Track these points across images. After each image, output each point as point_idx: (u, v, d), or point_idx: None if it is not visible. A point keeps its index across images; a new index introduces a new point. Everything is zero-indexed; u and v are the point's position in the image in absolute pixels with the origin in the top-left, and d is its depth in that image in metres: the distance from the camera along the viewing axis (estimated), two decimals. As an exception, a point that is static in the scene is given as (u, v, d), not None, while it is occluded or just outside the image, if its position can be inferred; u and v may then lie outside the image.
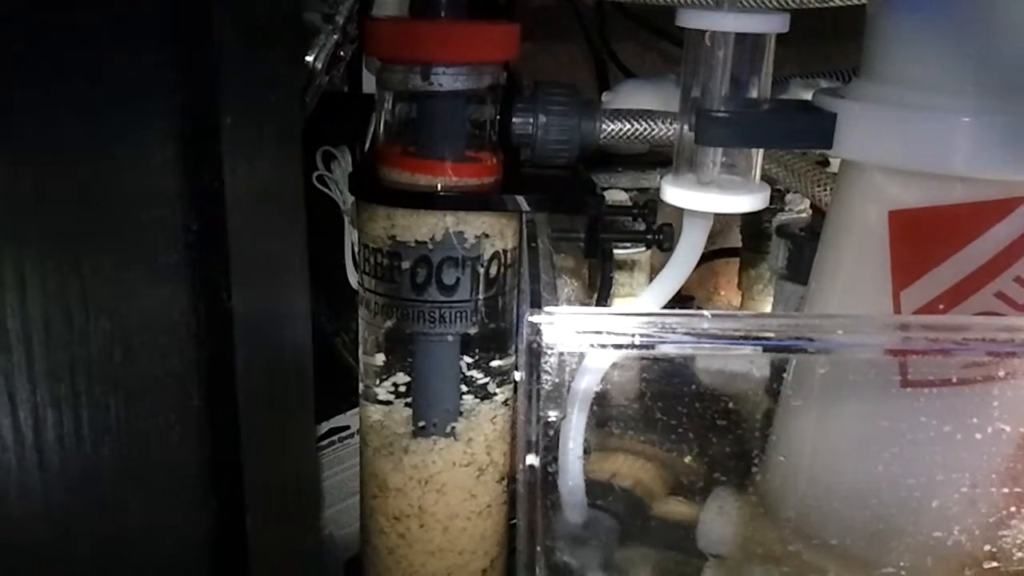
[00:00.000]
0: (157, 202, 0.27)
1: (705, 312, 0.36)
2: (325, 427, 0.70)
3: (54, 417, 0.24)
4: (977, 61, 0.40)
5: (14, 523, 0.24)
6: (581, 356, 0.37)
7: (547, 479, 0.39)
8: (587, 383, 0.40)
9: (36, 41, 0.24)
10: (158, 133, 0.27)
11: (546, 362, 0.35)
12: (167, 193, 0.28)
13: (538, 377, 0.36)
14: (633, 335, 0.36)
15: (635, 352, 0.36)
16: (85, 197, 0.25)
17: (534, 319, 0.35)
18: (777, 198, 0.65)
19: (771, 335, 0.37)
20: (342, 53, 0.52)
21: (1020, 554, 0.41)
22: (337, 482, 0.67)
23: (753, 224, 0.69)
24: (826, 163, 0.58)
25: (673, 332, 0.36)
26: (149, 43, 0.28)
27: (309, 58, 0.50)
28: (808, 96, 0.46)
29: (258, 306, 0.30)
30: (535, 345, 0.35)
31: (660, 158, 0.65)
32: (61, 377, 0.24)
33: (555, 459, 0.40)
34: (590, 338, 0.36)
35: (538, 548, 0.39)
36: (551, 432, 0.37)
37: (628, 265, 0.64)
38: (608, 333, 0.36)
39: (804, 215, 0.65)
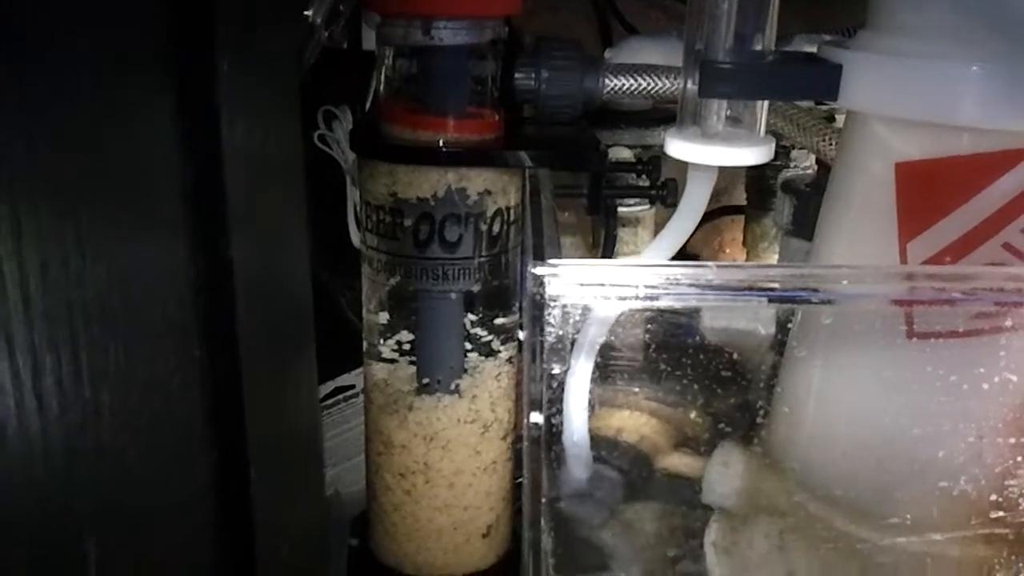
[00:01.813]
0: (154, 151, 0.27)
1: (710, 264, 0.36)
2: (330, 386, 0.70)
3: (52, 360, 0.24)
4: (984, 10, 0.39)
5: (13, 467, 0.24)
6: (585, 308, 0.36)
7: (552, 433, 0.39)
8: (592, 336, 0.40)
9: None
10: (154, 82, 0.27)
11: (549, 315, 0.35)
12: (164, 142, 0.27)
13: (541, 330, 0.35)
14: (637, 287, 0.35)
15: (640, 304, 0.36)
16: (80, 144, 0.25)
17: (537, 271, 0.35)
18: (782, 154, 0.64)
19: (776, 286, 0.37)
20: (341, 8, 0.51)
21: (1026, 504, 0.41)
22: (342, 441, 0.68)
23: (758, 181, 0.69)
24: (831, 118, 0.57)
25: (678, 284, 0.36)
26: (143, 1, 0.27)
27: (308, 13, 0.49)
28: (814, 50, 0.46)
29: (257, 257, 0.30)
30: (538, 297, 0.35)
31: (664, 115, 0.64)
32: (58, 319, 0.24)
33: (560, 413, 0.40)
34: (594, 290, 0.35)
35: (543, 503, 0.39)
36: (555, 386, 0.37)
37: (632, 222, 0.64)
38: (612, 285, 0.35)
39: (809, 171, 0.64)
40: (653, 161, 0.56)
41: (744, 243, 0.71)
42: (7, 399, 0.23)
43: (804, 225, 0.57)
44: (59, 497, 0.26)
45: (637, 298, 0.35)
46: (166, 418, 0.28)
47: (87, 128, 0.25)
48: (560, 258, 0.37)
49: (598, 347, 0.40)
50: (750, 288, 0.36)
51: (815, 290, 0.37)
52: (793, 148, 0.65)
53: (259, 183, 0.31)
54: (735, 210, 0.73)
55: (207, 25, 0.28)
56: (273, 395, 0.32)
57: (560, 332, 0.36)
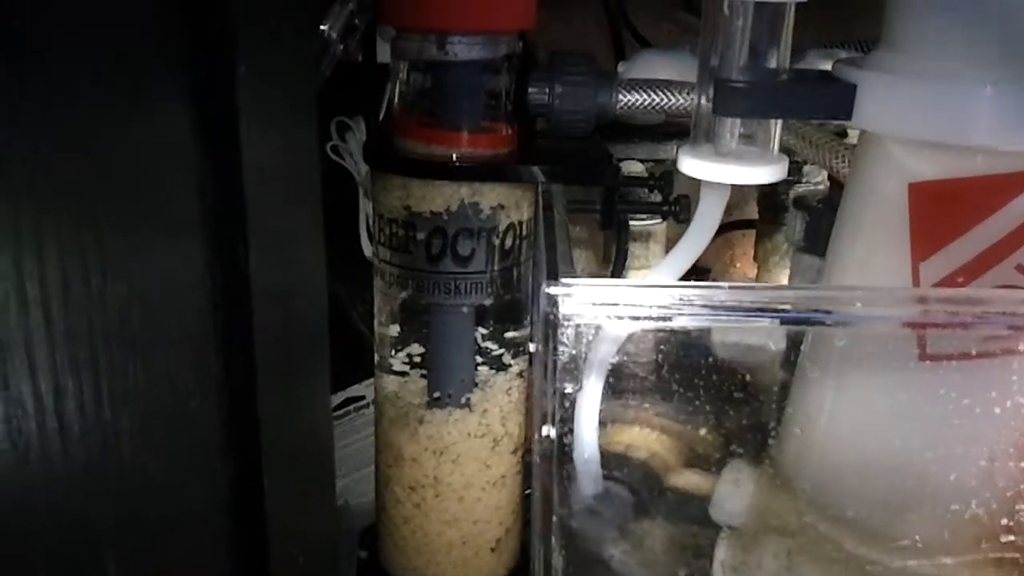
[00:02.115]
0: (173, 171, 0.27)
1: (722, 284, 0.36)
2: (341, 397, 0.70)
3: (74, 384, 0.24)
4: (999, 31, 0.39)
5: (34, 486, 0.24)
6: (598, 328, 0.37)
7: (562, 451, 0.39)
8: (603, 355, 0.40)
9: (48, 10, 0.24)
10: (173, 101, 0.27)
11: (563, 334, 0.35)
12: (183, 162, 0.28)
13: (555, 349, 0.35)
14: (650, 307, 0.36)
15: (652, 324, 0.36)
16: (100, 166, 0.25)
17: (551, 290, 0.35)
18: (794, 170, 0.64)
19: (788, 307, 0.37)
20: (356, 22, 0.51)
21: (1037, 528, 0.41)
22: (353, 451, 0.68)
23: (770, 196, 0.69)
24: (844, 134, 0.57)
25: (690, 304, 0.36)
26: (163, 13, 0.27)
27: (324, 27, 0.49)
28: (828, 65, 0.46)
29: (275, 270, 0.30)
30: (552, 317, 0.35)
31: (677, 128, 0.64)
32: (80, 340, 0.24)
33: (571, 431, 0.40)
34: (607, 310, 0.35)
35: (553, 519, 0.39)
36: (567, 404, 0.37)
37: (644, 237, 0.64)
38: (625, 305, 0.35)
39: (822, 187, 0.64)
40: (666, 176, 0.56)
41: (755, 258, 0.71)
42: (29, 421, 0.23)
43: (816, 242, 0.57)
44: (79, 514, 0.26)
45: (650, 318, 0.35)
46: (184, 434, 0.28)
47: (106, 145, 0.25)
48: (573, 275, 0.37)
49: (609, 366, 0.40)
50: (762, 309, 0.36)
51: (828, 312, 0.37)
52: (805, 163, 0.65)
53: (278, 195, 0.31)
54: (747, 224, 0.73)
55: (225, 39, 0.28)
56: (288, 407, 0.32)
57: (573, 351, 0.36)
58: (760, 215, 0.70)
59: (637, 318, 0.36)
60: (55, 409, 0.24)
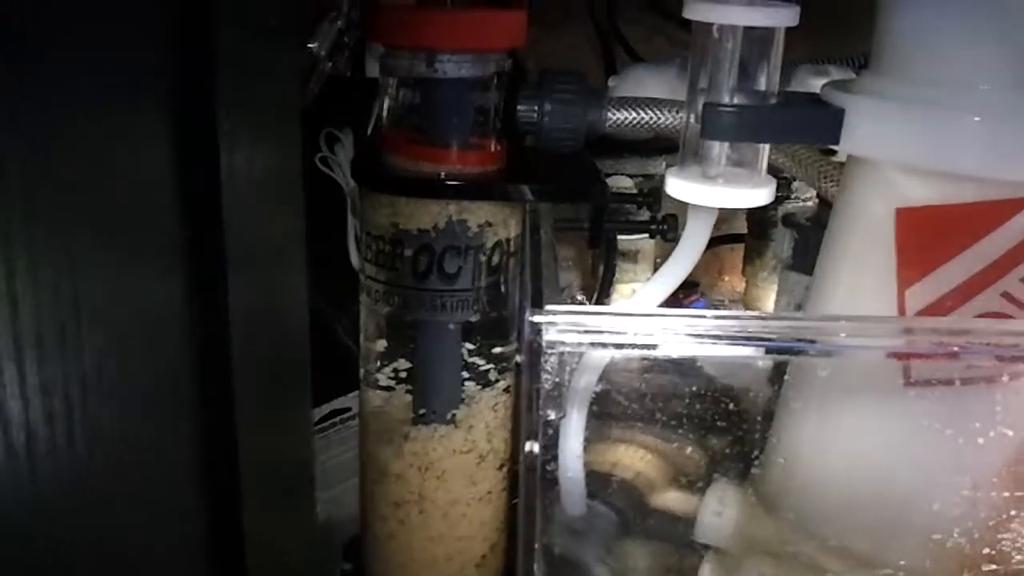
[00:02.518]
0: (151, 197, 0.27)
1: (706, 312, 0.36)
2: (326, 409, 0.70)
3: (46, 433, 0.24)
4: (989, 58, 0.39)
5: (9, 540, 0.24)
6: (581, 356, 0.36)
7: (546, 476, 0.39)
8: (586, 382, 0.39)
9: (18, 26, 0.23)
10: (151, 124, 0.27)
11: (546, 361, 0.35)
12: (162, 187, 0.27)
13: (538, 376, 0.35)
14: (634, 335, 0.35)
15: (635, 352, 0.36)
16: (77, 197, 0.25)
17: (535, 318, 0.35)
18: (783, 185, 0.64)
19: (773, 336, 0.37)
20: (346, 39, 0.51)
21: (1019, 556, 0.40)
22: (338, 464, 0.67)
23: (758, 211, 0.69)
24: (832, 153, 0.57)
25: (674, 332, 0.36)
26: (143, 28, 0.27)
27: (312, 45, 0.49)
28: (819, 81, 0.46)
29: (255, 299, 0.30)
30: (535, 344, 0.35)
31: (666, 144, 0.64)
32: (54, 392, 0.24)
33: (554, 458, 0.40)
34: (590, 337, 0.35)
35: (536, 544, 0.39)
36: (550, 431, 0.37)
37: (632, 254, 0.64)
38: (609, 333, 0.35)
39: (810, 204, 0.64)
40: (654, 193, 0.56)
41: (743, 273, 0.71)
42: (0, 472, 0.23)
43: (804, 259, 0.57)
44: (55, 561, 0.26)
45: (633, 346, 0.35)
46: (160, 470, 0.28)
47: (84, 183, 0.25)
48: (559, 296, 0.37)
49: (593, 392, 0.40)
50: (747, 338, 0.36)
51: (812, 341, 0.37)
52: (794, 180, 0.65)
53: (259, 224, 0.31)
54: (735, 239, 0.73)
55: (208, 68, 0.28)
56: (267, 438, 0.32)
57: (556, 379, 0.36)
58: (749, 230, 0.70)
59: (621, 346, 0.36)
60: (27, 456, 0.23)
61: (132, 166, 0.27)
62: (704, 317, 0.36)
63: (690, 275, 0.48)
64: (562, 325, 0.35)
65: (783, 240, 0.60)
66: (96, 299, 0.25)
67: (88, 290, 0.25)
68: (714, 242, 0.75)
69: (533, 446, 0.38)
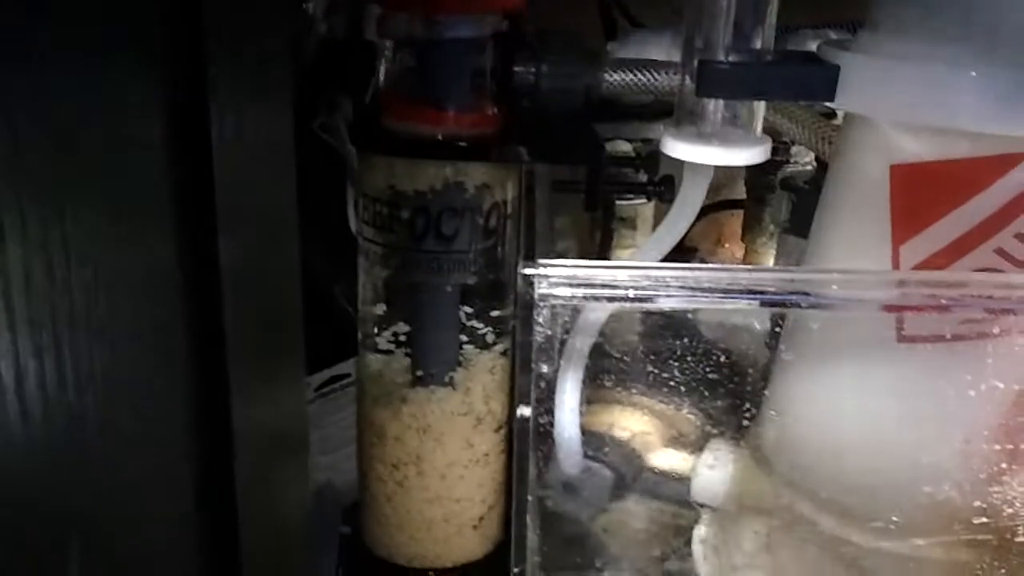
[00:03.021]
0: (141, 150, 0.27)
1: (700, 265, 0.36)
2: (327, 374, 0.70)
3: (35, 366, 0.24)
4: (984, 13, 0.39)
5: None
6: (574, 309, 0.37)
7: (541, 431, 0.39)
8: (582, 335, 0.40)
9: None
10: (140, 80, 0.27)
11: (539, 315, 0.35)
12: (151, 141, 0.27)
13: (531, 330, 0.35)
14: (627, 288, 0.36)
15: (629, 305, 0.36)
16: (65, 144, 0.25)
17: (527, 271, 0.35)
18: (782, 150, 0.64)
19: (768, 289, 0.37)
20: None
21: (1010, 510, 0.41)
22: (338, 429, 0.68)
23: (757, 176, 0.69)
24: (831, 115, 0.57)
25: (668, 285, 0.36)
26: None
27: (308, 4, 0.49)
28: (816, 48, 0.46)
29: (246, 256, 0.30)
30: (528, 297, 0.35)
31: (665, 108, 0.64)
32: (42, 326, 0.24)
33: (548, 411, 0.40)
34: (583, 291, 0.35)
35: (530, 498, 0.39)
36: (543, 385, 0.37)
37: (630, 220, 0.64)
38: (602, 286, 0.35)
39: (809, 167, 0.64)
40: (651, 156, 0.56)
41: (743, 238, 0.71)
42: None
43: (802, 223, 0.57)
44: (42, 500, 0.26)
45: (627, 299, 0.35)
46: (150, 419, 0.28)
47: (71, 127, 0.25)
48: (552, 255, 0.37)
49: (589, 346, 0.40)
50: (741, 291, 0.36)
51: (806, 294, 0.37)
52: (793, 144, 0.65)
53: (249, 181, 0.31)
54: (735, 204, 0.73)
55: (195, 20, 0.28)
56: (259, 394, 0.32)
57: (549, 332, 0.36)
58: (748, 195, 0.70)
59: (614, 299, 0.36)
60: (16, 392, 0.24)
61: (120, 117, 0.27)
62: (697, 270, 0.36)
63: (689, 241, 0.48)
64: (554, 278, 0.35)
65: (781, 204, 0.60)
66: (84, 243, 0.25)
67: (76, 233, 0.25)
68: (713, 208, 0.76)
69: (526, 410, 0.38)
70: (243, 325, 0.31)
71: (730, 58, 0.43)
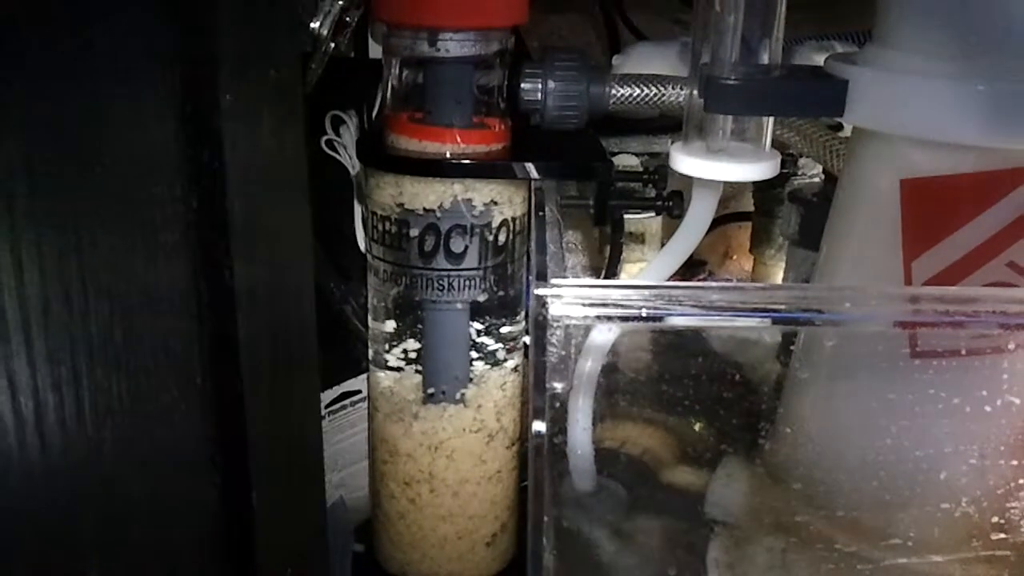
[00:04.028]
0: (156, 178, 0.27)
1: (712, 284, 0.36)
2: (337, 391, 0.70)
3: (55, 400, 0.24)
4: (990, 28, 0.39)
5: (17, 507, 0.24)
6: (587, 329, 0.37)
7: (555, 450, 0.39)
8: (593, 356, 0.40)
9: (28, 10, 0.24)
10: (155, 107, 0.27)
11: (552, 335, 0.35)
12: (166, 169, 0.27)
13: (544, 350, 0.35)
14: (640, 308, 0.35)
15: (641, 325, 0.36)
16: (82, 175, 0.25)
17: (540, 292, 0.35)
18: (790, 162, 0.64)
19: (780, 307, 0.37)
20: (348, 19, 0.51)
21: (1027, 525, 0.41)
22: (349, 446, 0.68)
23: (766, 189, 0.68)
24: (839, 128, 0.57)
25: (680, 304, 0.36)
26: (146, 14, 0.27)
27: (314, 25, 0.49)
28: (821, 58, 0.46)
29: (261, 281, 0.30)
30: (541, 318, 0.35)
31: (672, 122, 0.64)
32: (61, 360, 0.24)
33: (562, 430, 0.40)
34: (596, 310, 0.35)
35: (546, 517, 0.39)
36: (557, 405, 0.37)
37: (639, 235, 0.64)
38: (614, 305, 0.35)
39: (817, 180, 0.64)
40: (660, 171, 0.56)
41: (751, 250, 0.71)
42: (9, 438, 0.23)
43: (811, 235, 0.57)
44: (62, 530, 0.26)
45: (639, 319, 0.35)
46: (168, 447, 0.28)
47: (85, 157, 0.25)
48: (564, 273, 0.37)
49: (601, 363, 0.40)
50: (753, 309, 0.36)
51: (819, 311, 0.37)
52: (801, 156, 0.64)
53: (264, 206, 0.31)
54: (743, 217, 0.73)
55: (211, 51, 0.28)
56: (276, 419, 0.32)
57: (562, 352, 0.36)
58: (756, 208, 0.70)
59: (626, 319, 0.36)
60: (36, 427, 0.24)
61: (136, 142, 0.27)
62: (710, 289, 0.36)
63: (698, 254, 0.48)
64: (568, 298, 0.35)
65: (790, 217, 0.59)
66: (101, 271, 0.25)
67: (93, 262, 0.25)
68: (721, 220, 0.76)
69: (540, 426, 0.38)
70: (258, 345, 0.31)
71: (738, 72, 0.43)
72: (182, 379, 0.28)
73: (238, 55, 0.29)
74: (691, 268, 0.54)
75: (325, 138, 0.64)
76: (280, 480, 0.32)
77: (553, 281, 0.36)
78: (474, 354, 0.53)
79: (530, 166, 0.50)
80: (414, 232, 0.51)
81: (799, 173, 0.65)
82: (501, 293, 0.53)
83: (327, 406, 0.66)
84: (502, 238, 0.52)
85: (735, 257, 0.76)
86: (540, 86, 0.51)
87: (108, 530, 0.27)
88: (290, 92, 0.32)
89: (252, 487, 0.30)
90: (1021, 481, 0.40)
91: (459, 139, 0.50)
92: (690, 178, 0.46)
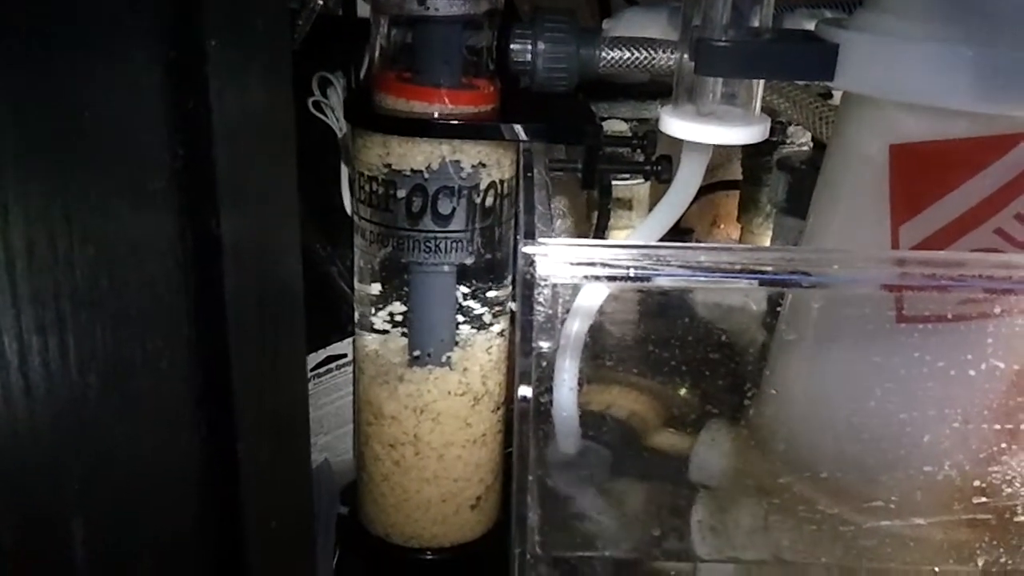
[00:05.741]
0: (142, 127, 0.27)
1: (700, 244, 0.36)
2: (322, 355, 0.70)
3: (39, 342, 0.24)
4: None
5: (1, 450, 0.24)
6: (575, 288, 0.36)
7: (540, 410, 0.39)
8: (581, 314, 0.40)
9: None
10: (141, 56, 0.27)
11: (539, 294, 0.35)
12: (152, 118, 0.27)
13: (531, 308, 0.35)
14: (628, 267, 0.35)
15: (630, 284, 0.36)
16: (67, 122, 0.25)
17: (528, 250, 0.35)
18: (779, 130, 0.64)
19: (767, 269, 0.37)
20: (337, -24, 0.51)
21: (1009, 490, 0.41)
22: (334, 410, 0.68)
23: (754, 157, 0.68)
24: (829, 95, 0.57)
25: (668, 264, 0.36)
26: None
27: (303, -19, 0.49)
28: (812, 26, 0.45)
29: (247, 233, 0.30)
30: (528, 276, 0.35)
31: (662, 88, 0.64)
32: (46, 303, 0.24)
33: (548, 390, 0.40)
34: (584, 270, 0.35)
35: (530, 478, 0.39)
36: (544, 364, 0.37)
37: (626, 201, 0.63)
38: (602, 265, 0.35)
39: (806, 148, 0.64)
40: (649, 136, 0.56)
41: (739, 219, 0.70)
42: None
43: (799, 204, 0.57)
44: (46, 477, 0.26)
45: (627, 278, 0.35)
46: (153, 396, 0.28)
47: (73, 104, 0.25)
48: (552, 234, 0.37)
49: (588, 325, 0.40)
50: (741, 271, 0.36)
51: (806, 274, 0.37)
52: (790, 124, 0.64)
53: (249, 154, 0.31)
54: (731, 185, 0.73)
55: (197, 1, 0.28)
56: (261, 371, 0.32)
57: (549, 311, 0.36)
58: (744, 176, 0.70)
59: (614, 278, 0.35)
60: (20, 368, 0.23)
61: (121, 89, 0.27)
62: (698, 249, 0.36)
63: (685, 223, 0.48)
64: (555, 257, 0.35)
65: (778, 184, 0.59)
66: (87, 216, 0.25)
67: (78, 206, 0.25)
68: (709, 188, 0.76)
69: (526, 390, 0.38)
70: (244, 301, 0.31)
71: (728, 36, 0.43)
72: (168, 328, 0.28)
73: (226, 6, 0.29)
74: (678, 236, 0.54)
75: (312, 99, 0.64)
76: (265, 433, 0.32)
77: (541, 240, 0.35)
78: (460, 317, 0.53)
79: (519, 128, 0.50)
80: (401, 193, 0.50)
81: (788, 141, 0.65)
82: (488, 256, 0.53)
83: (312, 369, 0.66)
84: (489, 200, 0.51)
85: (723, 226, 0.76)
86: (530, 47, 0.51)
87: (91, 476, 0.27)
88: (277, 42, 0.31)
89: (237, 438, 0.30)
90: (1003, 445, 0.40)
91: (447, 99, 0.50)
92: (679, 143, 0.46)
